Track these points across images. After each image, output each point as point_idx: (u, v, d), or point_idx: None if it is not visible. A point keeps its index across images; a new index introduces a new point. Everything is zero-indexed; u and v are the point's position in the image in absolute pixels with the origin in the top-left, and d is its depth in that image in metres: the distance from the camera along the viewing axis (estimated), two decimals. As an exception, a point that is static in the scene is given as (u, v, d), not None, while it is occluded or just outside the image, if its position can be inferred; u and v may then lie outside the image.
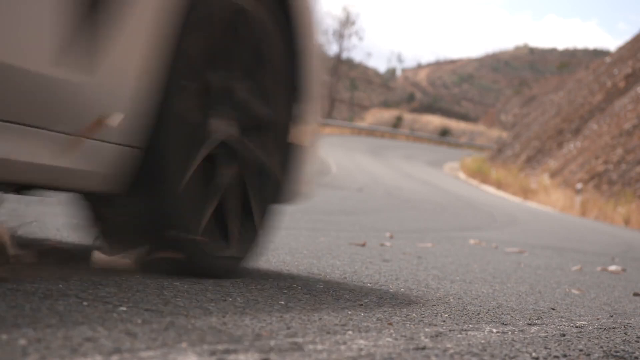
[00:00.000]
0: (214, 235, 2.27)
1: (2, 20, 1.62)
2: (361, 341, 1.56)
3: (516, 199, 25.84)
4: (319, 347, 1.44)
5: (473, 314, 2.24)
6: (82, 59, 1.81)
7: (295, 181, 2.61)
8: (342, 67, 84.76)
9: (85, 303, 1.53)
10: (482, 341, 1.75)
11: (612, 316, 2.66)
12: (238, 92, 2.36)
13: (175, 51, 2.08)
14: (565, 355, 1.70)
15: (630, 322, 2.54)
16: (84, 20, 1.80)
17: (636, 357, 1.80)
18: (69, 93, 1.80)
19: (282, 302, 1.93)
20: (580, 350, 1.80)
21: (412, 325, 1.86)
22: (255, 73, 2.43)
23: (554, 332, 2.05)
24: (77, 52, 1.80)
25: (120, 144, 1.97)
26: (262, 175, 2.46)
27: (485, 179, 31.05)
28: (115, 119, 1.88)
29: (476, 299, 2.66)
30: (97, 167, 1.93)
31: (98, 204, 2.19)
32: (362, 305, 2.10)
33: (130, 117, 1.96)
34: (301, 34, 2.57)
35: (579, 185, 27.59)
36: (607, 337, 2.07)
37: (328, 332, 1.60)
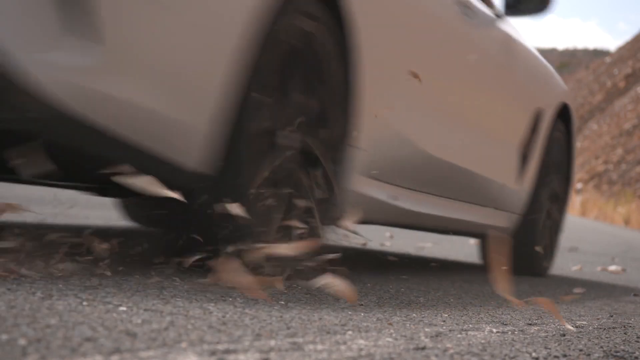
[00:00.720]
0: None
1: (494, 169, 3.63)
2: (361, 341, 1.55)
3: (516, 199, 25.82)
4: (319, 347, 1.44)
5: (473, 314, 2.24)
6: (515, 178, 3.79)
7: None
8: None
9: (85, 303, 1.53)
10: (482, 341, 1.75)
11: (612, 316, 2.66)
12: (555, 182, 4.25)
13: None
14: (565, 355, 1.70)
15: (630, 322, 2.54)
16: (521, 165, 3.84)
17: (636, 357, 1.80)
18: (512, 194, 3.82)
19: (282, 302, 1.93)
20: (580, 350, 1.80)
21: (412, 325, 1.85)
22: (557, 168, 4.28)
23: (554, 332, 2.05)
24: (520, 177, 3.85)
25: (513, 212, 3.90)
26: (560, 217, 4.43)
27: (485, 179, 31.00)
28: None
29: (476, 299, 2.66)
30: (505, 224, 3.86)
31: (487, 241, 3.84)
32: (362, 305, 2.10)
33: (521, 200, 3.93)
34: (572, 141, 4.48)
35: (579, 185, 27.58)
36: (607, 337, 2.07)
37: (328, 332, 1.60)
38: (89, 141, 1.72)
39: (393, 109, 2.66)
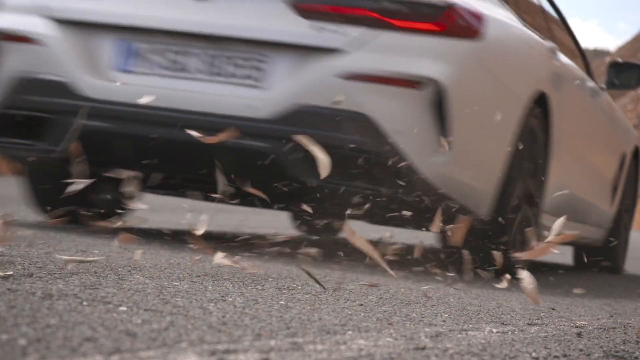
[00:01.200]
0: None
1: (600, 199, 5.08)
2: (361, 341, 1.56)
3: (516, 199, 25.83)
4: (319, 347, 1.44)
5: (473, 314, 2.24)
6: (609, 203, 5.27)
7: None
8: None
9: (85, 303, 1.53)
10: (482, 341, 1.75)
11: (612, 316, 2.66)
12: (627, 203, 5.82)
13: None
14: (565, 355, 1.70)
15: (630, 322, 2.54)
16: (612, 194, 5.32)
17: (636, 357, 1.80)
18: (607, 215, 5.26)
19: (282, 302, 1.94)
20: (580, 350, 1.80)
21: (412, 325, 1.86)
22: (629, 193, 5.76)
23: (554, 332, 2.05)
24: (611, 203, 5.31)
25: (605, 228, 5.26)
26: (630, 228, 6.05)
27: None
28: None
29: (476, 299, 2.66)
30: (599, 237, 5.20)
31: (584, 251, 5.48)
32: (362, 305, 2.10)
33: (610, 219, 5.37)
34: None
35: (579, 185, 27.50)
36: (607, 337, 2.07)
37: (328, 332, 1.61)
38: (434, 200, 3.23)
39: (564, 169, 4.21)
